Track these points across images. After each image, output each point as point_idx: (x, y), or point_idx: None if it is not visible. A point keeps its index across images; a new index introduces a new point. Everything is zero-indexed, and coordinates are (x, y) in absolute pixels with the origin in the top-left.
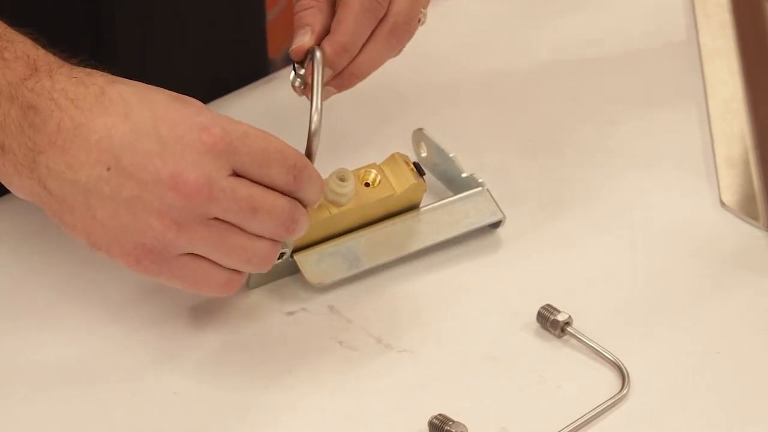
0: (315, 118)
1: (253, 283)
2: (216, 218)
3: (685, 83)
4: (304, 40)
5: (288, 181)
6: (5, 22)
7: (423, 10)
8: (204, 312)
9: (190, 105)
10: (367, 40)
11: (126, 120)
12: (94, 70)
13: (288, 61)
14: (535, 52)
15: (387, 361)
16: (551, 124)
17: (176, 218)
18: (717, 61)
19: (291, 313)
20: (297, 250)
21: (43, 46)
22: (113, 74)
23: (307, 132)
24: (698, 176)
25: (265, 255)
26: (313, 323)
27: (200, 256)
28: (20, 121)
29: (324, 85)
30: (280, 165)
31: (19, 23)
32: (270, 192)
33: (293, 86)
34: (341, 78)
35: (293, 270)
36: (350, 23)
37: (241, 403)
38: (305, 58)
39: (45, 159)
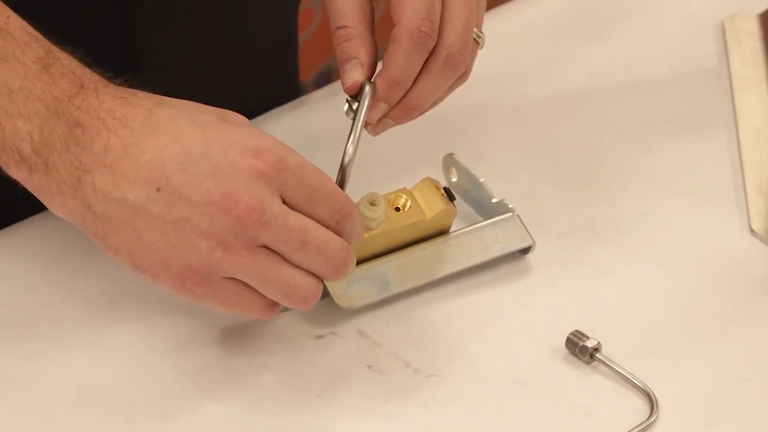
0: (350, 150)
1: (283, 306)
2: (264, 246)
3: (715, 110)
4: (355, 74)
5: (330, 224)
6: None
7: (480, 33)
8: (233, 335)
9: (241, 126)
10: (421, 73)
11: (177, 141)
12: (139, 91)
13: (319, 83)
14: (566, 78)
15: (416, 386)
16: (581, 150)
17: (224, 240)
18: (748, 88)
19: (320, 337)
20: None
21: (88, 66)
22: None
23: (340, 161)
24: (728, 203)
25: (306, 294)
26: (343, 347)
27: (241, 281)
28: (66, 139)
29: (379, 119)
30: (327, 205)
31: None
32: (322, 228)
33: (348, 118)
34: (399, 110)
35: (323, 293)
36: (401, 57)
37: (269, 427)
38: (360, 92)
39: (91, 178)
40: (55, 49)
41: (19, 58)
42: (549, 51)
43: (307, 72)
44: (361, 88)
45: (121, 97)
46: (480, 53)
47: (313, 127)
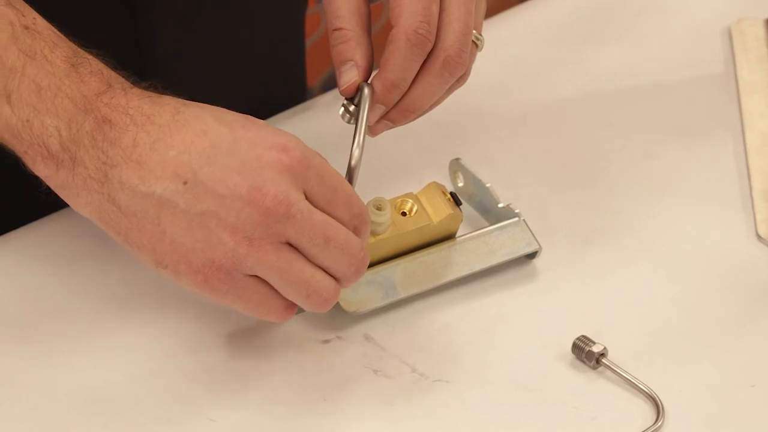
0: (356, 153)
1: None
2: (288, 244)
3: (722, 116)
4: (352, 76)
5: (348, 228)
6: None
7: (479, 36)
8: (240, 339)
9: (266, 126)
10: (419, 75)
11: (204, 136)
12: (164, 94)
13: (326, 87)
14: (572, 83)
15: (421, 390)
16: (587, 155)
17: (249, 235)
18: (754, 94)
19: (326, 341)
20: None
21: (114, 68)
22: None
23: (346, 165)
24: (734, 209)
25: (326, 295)
26: (349, 351)
27: (262, 280)
28: (94, 135)
29: (378, 120)
30: (347, 209)
31: None
32: (344, 227)
33: (344, 121)
34: (396, 112)
35: None
36: (398, 59)
37: (275, 431)
38: (356, 95)
39: (118, 173)
40: (82, 50)
41: (47, 56)
42: (555, 56)
43: (313, 76)
44: (360, 90)
45: (148, 97)
46: (485, 58)
47: (319, 131)
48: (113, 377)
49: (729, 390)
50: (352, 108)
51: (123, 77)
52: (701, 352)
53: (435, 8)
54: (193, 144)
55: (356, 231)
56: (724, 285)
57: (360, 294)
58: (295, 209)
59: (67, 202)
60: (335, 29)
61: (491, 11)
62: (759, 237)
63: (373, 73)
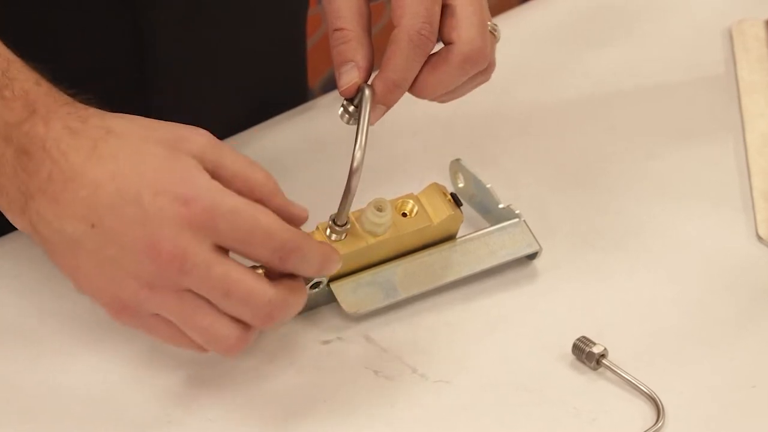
0: (358, 155)
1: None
2: (192, 291)
3: (722, 116)
4: (352, 77)
5: (273, 262)
6: (16, 53)
7: (495, 26)
8: None
9: (183, 163)
10: (435, 69)
11: (112, 181)
12: (93, 115)
13: (326, 88)
14: (573, 84)
15: (422, 391)
16: (588, 156)
17: (150, 282)
18: (755, 94)
19: (327, 342)
20: (333, 279)
21: (49, 81)
22: (149, 103)
23: (348, 166)
24: (735, 209)
25: (226, 344)
26: (349, 352)
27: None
28: (14, 164)
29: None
30: (265, 246)
31: (58, 50)
32: (250, 277)
33: (342, 121)
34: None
35: (329, 299)
36: (400, 60)
37: None
38: (356, 95)
39: (36, 205)
40: (15, 66)
41: None
42: (555, 57)
43: (314, 77)
44: (360, 91)
45: (68, 127)
46: None
47: (320, 132)
48: (113, 378)
49: (729, 391)
50: (351, 108)
51: (53, 95)
52: (702, 353)
53: (437, 8)
54: (100, 188)
55: (283, 262)
56: (724, 285)
57: (360, 294)
58: (190, 265)
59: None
60: (336, 29)
61: (492, 12)
62: (759, 237)
63: (374, 74)
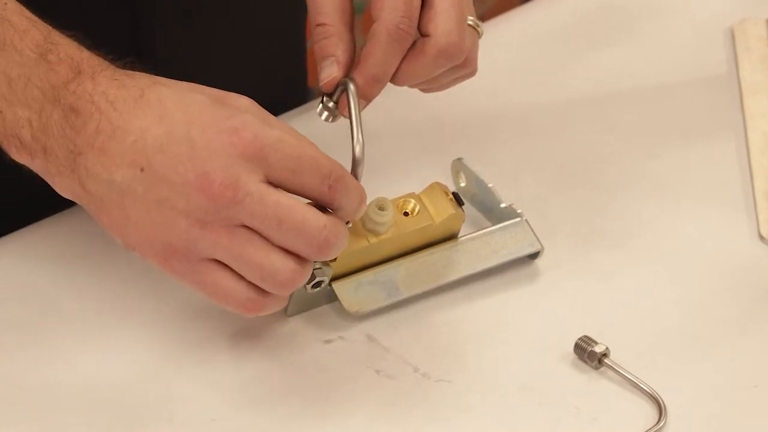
0: (357, 150)
1: (291, 311)
2: (244, 226)
3: (724, 116)
4: (332, 71)
5: (322, 191)
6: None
7: (478, 22)
8: (242, 339)
9: (229, 107)
10: (410, 61)
11: (160, 123)
12: (138, 72)
13: None
14: (574, 84)
15: (424, 391)
16: (590, 156)
17: (201, 219)
18: (757, 94)
19: (329, 342)
20: (335, 278)
21: (88, 48)
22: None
23: (350, 164)
24: (737, 209)
25: (281, 278)
26: (351, 352)
27: (224, 266)
28: (62, 124)
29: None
30: (314, 173)
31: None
32: (303, 206)
33: (321, 118)
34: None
35: (331, 298)
36: (379, 54)
37: (277, 431)
38: (335, 91)
39: (84, 160)
40: (54, 34)
41: (17, 45)
42: (557, 57)
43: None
44: (344, 86)
45: (116, 79)
46: (486, 58)
47: (320, 132)
48: (114, 378)
49: (731, 390)
50: (331, 105)
51: (97, 58)
52: (703, 353)
53: (416, 3)
54: (148, 131)
55: (332, 190)
56: (726, 286)
57: (362, 294)
58: (243, 194)
59: (51, 185)
60: (318, 24)
61: (493, 12)
62: (761, 237)
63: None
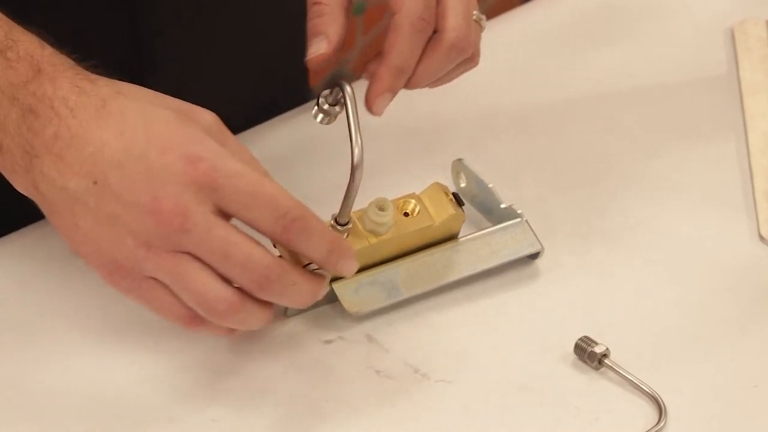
0: (356, 152)
1: (291, 311)
2: (189, 253)
3: (724, 116)
4: (320, 47)
5: (275, 230)
6: (14, 20)
7: (481, 15)
8: (242, 339)
9: (191, 128)
10: (424, 57)
11: (120, 138)
12: (100, 78)
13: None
14: (575, 84)
15: (424, 391)
16: (590, 156)
17: (148, 241)
18: (757, 94)
19: (329, 342)
20: (335, 278)
21: (51, 45)
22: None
23: (350, 165)
24: (737, 209)
25: (219, 308)
26: (351, 352)
27: (166, 285)
28: (19, 124)
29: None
30: (269, 210)
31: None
32: (249, 242)
33: (317, 121)
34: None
35: (331, 298)
36: (403, 45)
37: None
38: (331, 93)
39: (40, 164)
40: (16, 30)
41: None
42: (557, 57)
43: (315, 77)
44: (341, 88)
45: (77, 86)
46: (487, 59)
47: (321, 132)
48: (114, 378)
49: (731, 391)
50: (326, 107)
51: (59, 57)
52: (704, 353)
53: None
54: (107, 145)
55: (287, 231)
56: (726, 286)
57: (362, 294)
58: (191, 224)
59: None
60: (314, 3)
61: (493, 12)
62: (761, 238)
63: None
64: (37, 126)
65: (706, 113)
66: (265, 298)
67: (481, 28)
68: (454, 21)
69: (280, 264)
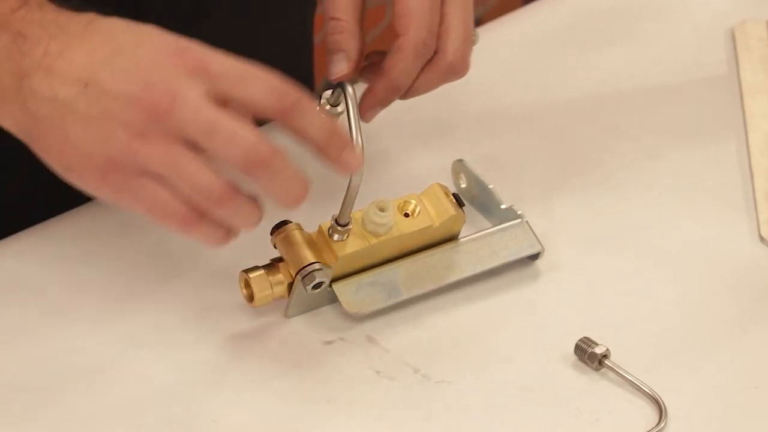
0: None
1: (291, 312)
2: (183, 141)
3: (725, 117)
4: (342, 68)
5: (273, 106)
6: None
7: (475, 33)
8: (243, 340)
9: (176, 36)
10: (422, 75)
11: (110, 42)
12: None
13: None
14: (575, 84)
15: (424, 392)
16: (590, 156)
17: (141, 130)
18: (758, 95)
19: (329, 343)
20: (335, 279)
21: None
22: None
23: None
24: (737, 210)
25: (216, 192)
26: (351, 353)
27: (162, 182)
28: (9, 48)
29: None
30: (265, 86)
31: None
32: (237, 120)
33: None
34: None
35: (331, 299)
36: (405, 66)
37: None
38: (332, 93)
39: (29, 82)
40: None
41: None
42: (558, 58)
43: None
44: (343, 89)
45: (63, 12)
46: (488, 59)
47: None
48: (114, 380)
49: (732, 391)
50: (328, 107)
51: None
52: (704, 354)
53: (437, 18)
54: (97, 50)
55: (282, 103)
56: (727, 287)
57: (362, 295)
58: (181, 101)
59: None
60: (332, 18)
61: (494, 13)
62: (762, 238)
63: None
64: (27, 47)
65: (707, 114)
66: (256, 181)
67: (473, 43)
68: (454, 44)
69: (269, 144)
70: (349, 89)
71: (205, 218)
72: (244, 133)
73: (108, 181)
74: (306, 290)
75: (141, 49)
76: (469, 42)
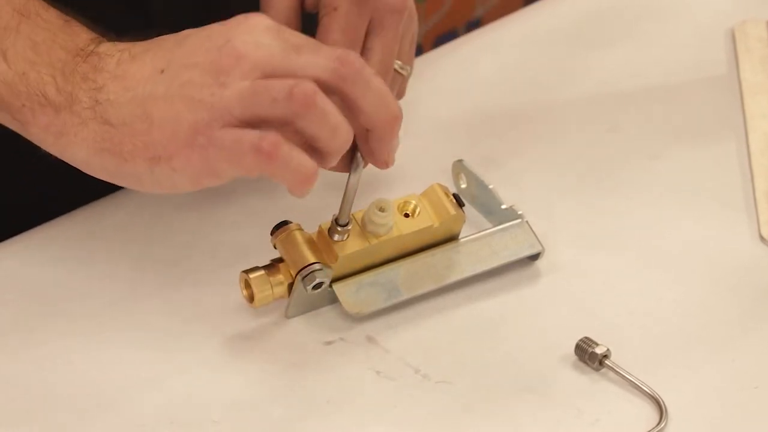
0: (357, 153)
1: (291, 312)
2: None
3: (725, 117)
4: None
5: (332, 65)
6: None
7: (404, 66)
8: (243, 340)
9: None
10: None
11: (176, 36)
12: None
13: None
14: (576, 85)
15: (424, 392)
16: (591, 157)
17: (222, 81)
18: (758, 95)
19: (329, 343)
20: (336, 279)
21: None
22: None
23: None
24: (738, 210)
25: (307, 93)
26: (351, 353)
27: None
28: (86, 70)
29: None
30: (331, 52)
31: None
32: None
33: None
34: None
35: (331, 299)
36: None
37: None
38: None
39: (106, 93)
40: (70, 19)
41: (41, 14)
42: (558, 58)
43: None
44: None
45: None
46: (491, 60)
47: None
48: (115, 379)
49: (732, 392)
50: None
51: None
52: (705, 354)
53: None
54: (167, 41)
55: (342, 75)
56: (727, 287)
57: (362, 295)
58: (256, 48)
59: (65, 153)
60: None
61: (495, 13)
62: (762, 239)
63: None
64: (102, 64)
65: (707, 114)
66: (343, 90)
67: (405, 78)
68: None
69: (319, 91)
70: None
71: (288, 145)
72: (322, 61)
73: (196, 147)
74: (306, 290)
75: (209, 29)
76: (386, 75)
